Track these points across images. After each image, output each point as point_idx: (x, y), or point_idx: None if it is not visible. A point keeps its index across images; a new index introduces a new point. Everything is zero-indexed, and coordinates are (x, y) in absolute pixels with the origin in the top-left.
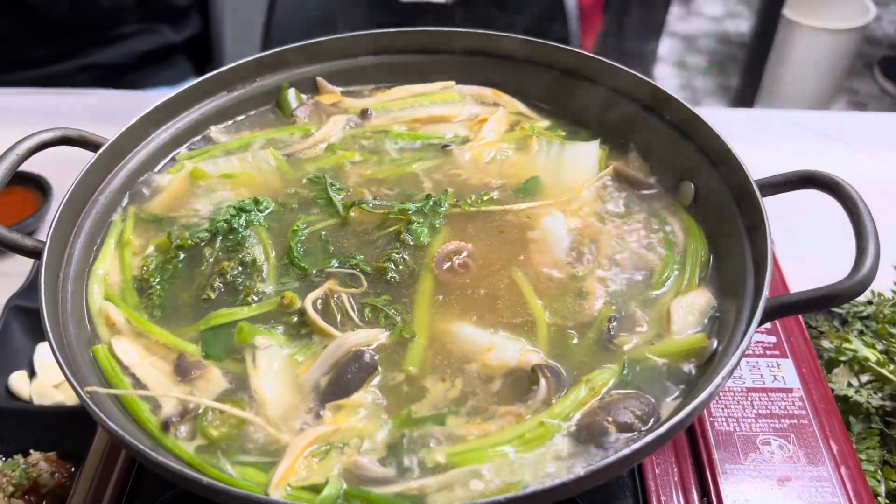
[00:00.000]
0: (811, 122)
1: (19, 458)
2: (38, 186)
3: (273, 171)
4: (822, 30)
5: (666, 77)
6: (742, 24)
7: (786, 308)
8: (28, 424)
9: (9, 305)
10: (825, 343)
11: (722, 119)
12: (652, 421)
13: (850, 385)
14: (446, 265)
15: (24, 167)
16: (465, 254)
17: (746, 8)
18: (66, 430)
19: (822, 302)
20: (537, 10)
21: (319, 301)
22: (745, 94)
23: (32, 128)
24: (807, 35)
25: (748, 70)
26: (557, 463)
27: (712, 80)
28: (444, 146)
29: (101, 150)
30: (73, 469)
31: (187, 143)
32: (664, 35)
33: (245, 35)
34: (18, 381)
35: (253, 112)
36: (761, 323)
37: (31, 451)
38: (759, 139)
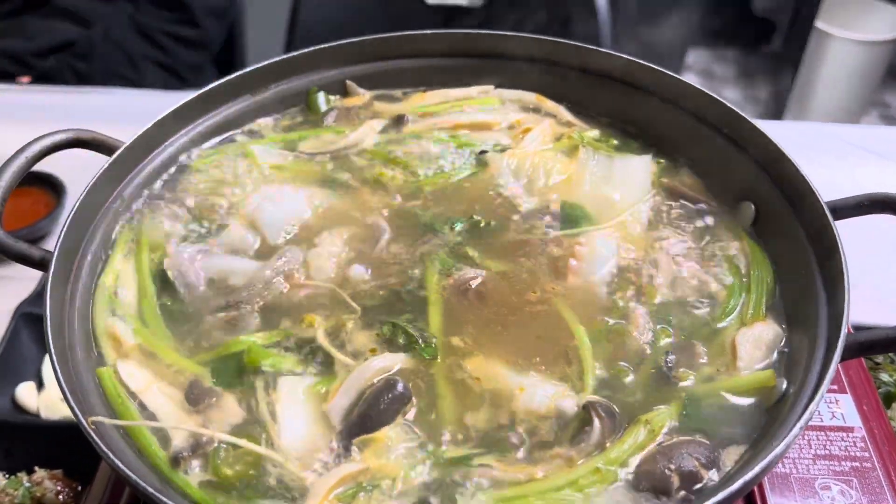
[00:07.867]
0: (848, 135)
1: (23, 475)
2: (52, 187)
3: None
4: (854, 41)
5: None
6: None
7: (867, 346)
8: (34, 440)
9: (18, 312)
10: (883, 376)
11: None
12: (715, 469)
13: None
14: (470, 292)
15: (38, 166)
16: (479, 280)
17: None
18: (75, 446)
19: None
20: (565, 11)
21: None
22: (775, 106)
23: (50, 126)
24: (838, 46)
25: (778, 81)
26: None
27: (741, 91)
28: (482, 152)
29: (115, 155)
30: (79, 488)
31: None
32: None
33: (268, 36)
34: (26, 394)
35: (279, 115)
36: (841, 361)
37: (36, 468)
38: (796, 152)
